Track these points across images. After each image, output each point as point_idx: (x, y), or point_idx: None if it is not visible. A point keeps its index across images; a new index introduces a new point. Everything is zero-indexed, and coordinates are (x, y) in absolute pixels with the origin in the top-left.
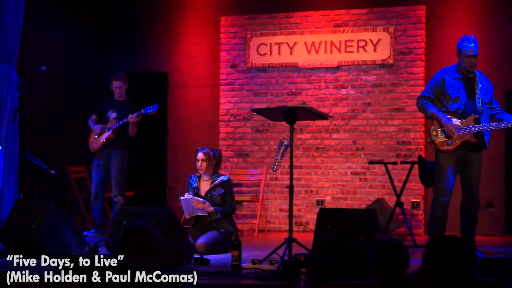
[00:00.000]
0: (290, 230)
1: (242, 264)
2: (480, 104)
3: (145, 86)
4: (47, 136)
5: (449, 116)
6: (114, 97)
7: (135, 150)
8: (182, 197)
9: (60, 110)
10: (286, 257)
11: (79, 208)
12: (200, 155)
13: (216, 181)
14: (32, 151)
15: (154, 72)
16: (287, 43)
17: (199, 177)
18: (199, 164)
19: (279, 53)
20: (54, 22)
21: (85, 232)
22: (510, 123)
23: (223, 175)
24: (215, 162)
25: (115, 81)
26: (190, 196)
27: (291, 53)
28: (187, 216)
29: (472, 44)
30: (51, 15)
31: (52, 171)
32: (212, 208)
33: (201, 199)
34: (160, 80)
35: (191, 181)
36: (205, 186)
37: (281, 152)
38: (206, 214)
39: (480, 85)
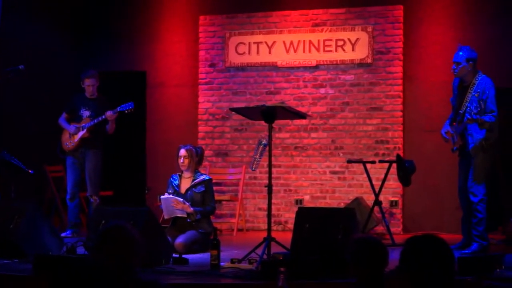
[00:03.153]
0: (269, 229)
1: (221, 264)
2: (463, 110)
3: (124, 85)
4: (25, 135)
5: (448, 124)
6: (85, 95)
7: (113, 149)
8: (162, 196)
9: (38, 109)
10: (265, 256)
11: (57, 208)
12: (182, 152)
13: (198, 179)
14: (10, 151)
15: (132, 71)
16: (265, 43)
17: (181, 176)
18: (181, 161)
19: (257, 52)
20: (32, 20)
21: (62, 234)
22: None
23: (205, 174)
24: (197, 159)
25: (88, 79)
26: (170, 195)
27: (269, 52)
28: (166, 217)
29: (456, 52)
30: (29, 14)
31: (30, 171)
32: (191, 209)
33: (181, 199)
34: (138, 79)
35: (172, 179)
36: (186, 183)
37: (259, 151)
38: (185, 215)
39: (473, 93)
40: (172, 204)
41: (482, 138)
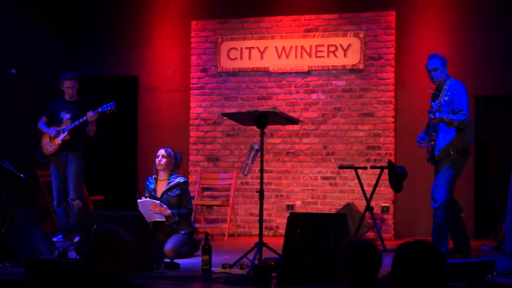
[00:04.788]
0: (260, 235)
1: (213, 269)
2: (433, 115)
3: (116, 90)
4: (16, 139)
5: (423, 133)
6: (64, 98)
7: (104, 153)
8: (139, 200)
9: (29, 113)
10: (256, 262)
11: (49, 212)
12: (161, 151)
13: (172, 182)
14: (1, 155)
15: (124, 76)
16: (257, 48)
17: (156, 179)
18: (159, 159)
19: (249, 58)
20: (23, 25)
21: (53, 238)
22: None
23: (180, 176)
24: (175, 162)
25: (68, 81)
26: (147, 199)
27: (261, 57)
28: None
29: (429, 60)
30: (20, 18)
31: (21, 175)
32: (169, 211)
33: (158, 202)
34: (130, 84)
35: (148, 182)
36: (161, 186)
37: (251, 156)
38: (164, 220)
39: (444, 97)
40: (150, 208)
41: (449, 143)
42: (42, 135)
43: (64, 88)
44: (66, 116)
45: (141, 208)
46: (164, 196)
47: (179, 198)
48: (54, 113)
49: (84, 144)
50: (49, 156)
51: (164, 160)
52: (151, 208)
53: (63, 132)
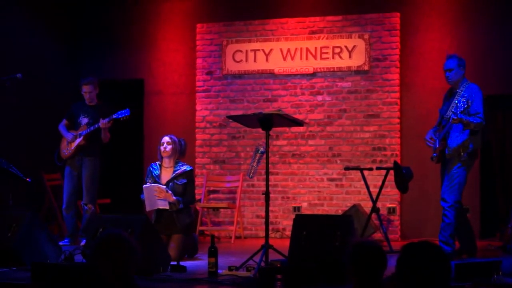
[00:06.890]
0: (267, 237)
1: (219, 271)
2: (449, 115)
3: (121, 93)
4: (22, 143)
5: (432, 132)
6: (85, 102)
7: (111, 157)
8: (144, 186)
9: (35, 117)
10: (262, 264)
11: (55, 216)
12: (165, 138)
13: (179, 170)
14: (7, 159)
15: (130, 79)
16: (263, 50)
17: (161, 165)
18: (164, 146)
19: (255, 60)
20: (28, 29)
21: (60, 242)
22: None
23: (186, 164)
24: (180, 149)
25: (85, 86)
26: (153, 184)
27: (267, 60)
28: (147, 209)
29: (446, 60)
30: (25, 22)
31: (27, 179)
32: (174, 198)
33: (164, 187)
34: (136, 87)
35: (151, 168)
36: (167, 174)
37: (257, 158)
38: (167, 207)
39: (460, 98)
40: (154, 194)
41: (460, 144)
42: (62, 138)
43: (83, 93)
44: (84, 120)
45: (145, 194)
46: (170, 184)
47: (185, 187)
48: (74, 116)
49: (100, 150)
50: (65, 160)
51: (169, 147)
52: (156, 194)
53: (79, 137)
